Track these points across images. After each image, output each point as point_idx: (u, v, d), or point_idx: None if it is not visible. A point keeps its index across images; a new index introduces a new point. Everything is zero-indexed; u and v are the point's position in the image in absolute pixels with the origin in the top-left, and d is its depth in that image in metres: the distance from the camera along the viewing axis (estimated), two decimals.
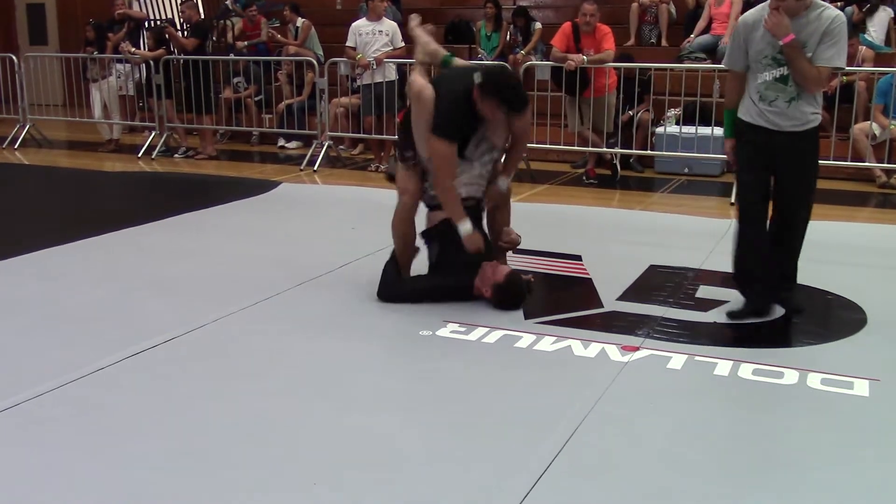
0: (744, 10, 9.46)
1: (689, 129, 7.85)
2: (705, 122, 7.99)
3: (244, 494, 2.59)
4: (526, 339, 3.89)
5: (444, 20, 11.37)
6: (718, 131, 7.95)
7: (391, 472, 2.72)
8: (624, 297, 4.57)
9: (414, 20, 5.07)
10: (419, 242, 4.57)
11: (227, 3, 12.15)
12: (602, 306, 4.44)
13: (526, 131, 4.65)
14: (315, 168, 8.67)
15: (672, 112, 8.46)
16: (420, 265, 4.62)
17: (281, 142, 10.46)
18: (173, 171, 8.99)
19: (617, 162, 8.32)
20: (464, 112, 4.26)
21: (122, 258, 5.30)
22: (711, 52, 9.45)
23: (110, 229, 5.96)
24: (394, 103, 8.59)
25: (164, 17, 12.50)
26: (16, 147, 10.44)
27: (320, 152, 8.90)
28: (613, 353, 3.74)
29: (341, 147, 9.75)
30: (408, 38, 8.85)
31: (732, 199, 6.98)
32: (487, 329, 4.01)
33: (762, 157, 4.05)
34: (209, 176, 8.54)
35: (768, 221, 4.17)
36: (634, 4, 10.34)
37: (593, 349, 3.78)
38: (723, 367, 3.58)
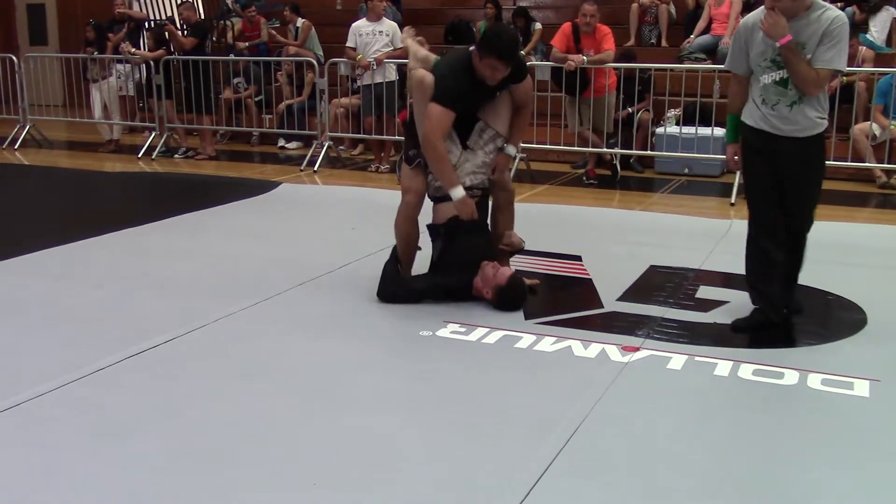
0: (744, 10, 9.52)
1: (689, 130, 7.85)
2: (705, 122, 7.99)
3: (244, 494, 2.59)
4: (526, 340, 3.89)
5: (444, 20, 11.38)
6: (718, 132, 7.98)
7: (391, 472, 2.72)
8: (624, 297, 4.57)
9: (406, 32, 5.16)
10: (421, 240, 4.58)
11: (226, 3, 12.16)
12: (602, 307, 4.44)
13: (528, 98, 4.65)
14: (315, 168, 8.67)
15: (672, 112, 8.46)
16: (421, 264, 4.62)
17: (281, 142, 10.47)
18: (173, 171, 8.99)
19: (617, 162, 8.32)
20: (463, 82, 4.29)
21: (122, 258, 5.30)
22: (711, 52, 9.46)
23: (110, 230, 5.96)
24: (394, 104, 8.59)
25: (164, 17, 12.49)
26: (16, 147, 10.44)
27: (320, 153, 8.91)
28: (613, 353, 3.74)
29: (341, 147, 9.75)
30: (406, 49, 8.87)
31: (732, 200, 6.99)
32: (487, 329, 4.01)
33: (767, 162, 3.94)
34: (209, 176, 8.54)
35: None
36: (634, 5, 10.34)
37: (593, 349, 3.78)
38: (723, 368, 3.58)
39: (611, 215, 6.71)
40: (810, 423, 3.17)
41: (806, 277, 4.35)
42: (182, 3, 10.59)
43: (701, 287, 4.75)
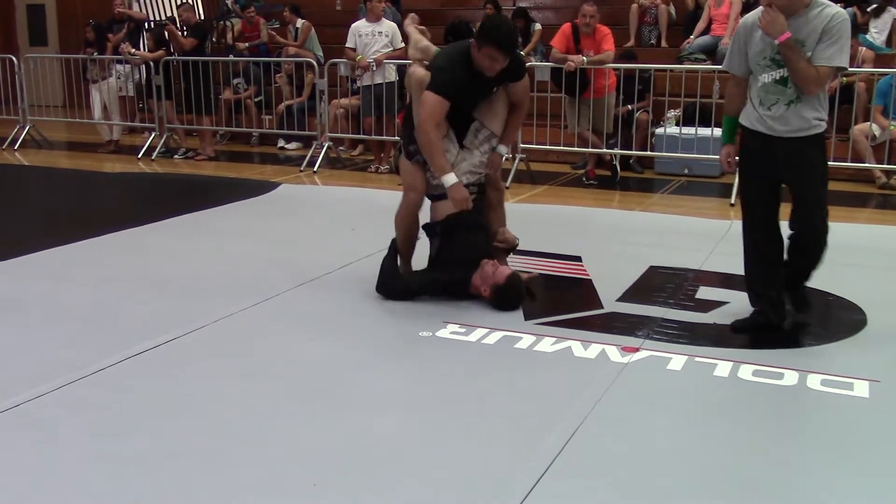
0: (743, 11, 9.52)
1: (688, 130, 7.85)
2: (705, 123, 7.99)
3: (244, 494, 2.58)
4: (526, 341, 3.89)
5: (444, 21, 11.34)
6: (718, 132, 7.88)
7: (391, 472, 2.72)
8: (624, 297, 4.57)
9: (409, 19, 5.15)
10: (420, 234, 4.61)
11: (226, 4, 12.16)
12: (602, 307, 4.44)
13: (525, 97, 4.64)
14: (315, 169, 8.67)
15: (672, 113, 8.47)
16: (420, 261, 4.64)
17: (281, 143, 10.47)
18: (173, 172, 8.99)
19: (617, 163, 8.32)
20: (460, 73, 4.29)
21: (122, 259, 5.30)
22: (711, 53, 9.47)
23: (110, 230, 5.96)
24: (394, 104, 8.59)
25: (163, 18, 12.49)
26: (16, 148, 10.44)
27: (320, 153, 8.91)
28: (613, 354, 3.74)
29: (341, 148, 9.75)
30: (407, 38, 8.88)
31: (732, 200, 6.99)
32: (487, 330, 4.01)
33: (762, 164, 3.89)
34: (209, 177, 8.54)
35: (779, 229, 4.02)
36: (634, 5, 10.35)
37: (593, 350, 3.78)
38: (723, 368, 3.58)
39: (611, 216, 6.71)
40: (810, 423, 3.17)
41: None
42: (181, 4, 10.59)
43: (701, 288, 4.75)
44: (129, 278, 4.86)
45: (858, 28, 8.75)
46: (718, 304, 4.45)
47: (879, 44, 9.00)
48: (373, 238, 5.22)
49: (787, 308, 4.06)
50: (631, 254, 5.44)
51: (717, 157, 7.66)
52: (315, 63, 9.59)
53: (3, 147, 10.44)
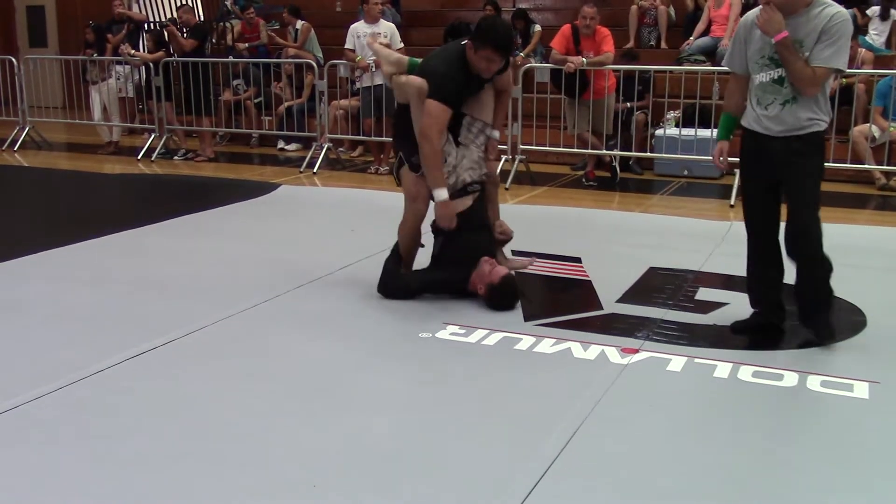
0: (743, 12, 9.52)
1: (688, 132, 7.85)
2: (704, 124, 7.99)
3: (244, 495, 2.59)
4: (526, 342, 3.89)
5: (444, 22, 11.36)
6: None
7: (391, 473, 2.72)
8: (623, 299, 4.57)
9: (371, 37, 5.18)
10: (424, 238, 4.63)
11: (226, 5, 12.17)
12: (602, 308, 4.45)
13: (509, 84, 4.72)
14: (315, 170, 8.67)
15: (671, 114, 8.47)
16: (422, 261, 4.66)
17: (280, 144, 10.47)
18: (173, 173, 9.00)
19: (616, 164, 8.33)
20: (459, 78, 4.30)
21: (122, 260, 5.30)
22: (711, 54, 9.48)
23: (110, 231, 5.96)
24: (393, 105, 8.57)
25: (163, 19, 12.50)
26: (15, 149, 10.45)
27: (320, 154, 8.91)
28: (613, 355, 3.74)
29: (341, 149, 9.76)
30: (407, 40, 8.89)
31: (732, 202, 7.00)
32: (487, 331, 4.01)
33: (759, 164, 3.85)
34: (209, 178, 8.54)
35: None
36: (634, 7, 10.35)
37: (593, 351, 3.78)
38: (722, 370, 3.58)
39: (610, 217, 6.71)
40: (810, 424, 3.18)
41: None
42: (181, 5, 10.59)
43: (700, 289, 4.75)
44: (129, 279, 4.86)
45: (858, 30, 8.75)
46: (718, 305, 4.45)
47: (879, 45, 9.00)
48: (373, 239, 5.22)
49: (786, 309, 4.05)
50: (630, 255, 5.44)
51: None
52: (315, 64, 9.59)
53: (3, 148, 10.44)
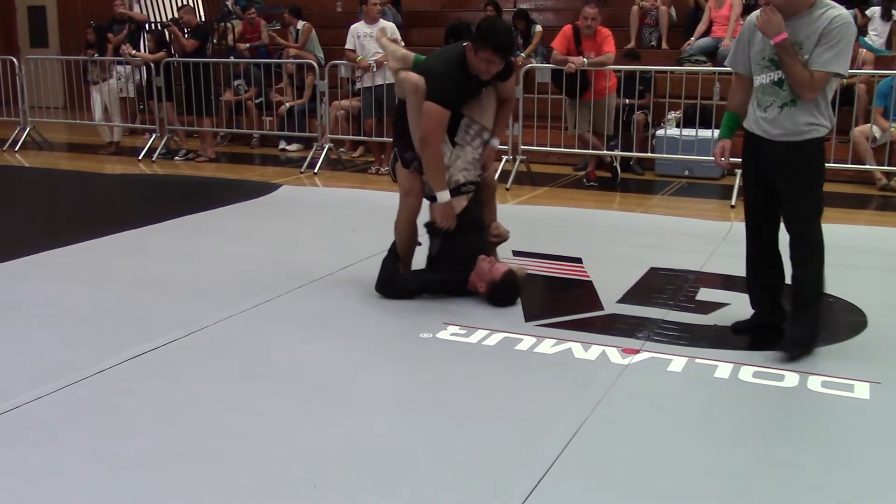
0: (744, 12, 9.53)
1: (689, 132, 7.85)
2: (705, 124, 7.99)
3: (245, 495, 2.59)
4: (526, 342, 3.89)
5: (445, 22, 11.37)
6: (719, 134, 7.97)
7: (391, 473, 2.72)
8: (624, 299, 4.57)
9: (380, 32, 5.21)
10: (421, 236, 4.64)
11: (227, 5, 12.17)
12: (602, 309, 4.44)
13: (512, 93, 4.72)
14: (315, 171, 8.67)
15: (672, 115, 8.47)
16: (419, 260, 4.66)
17: (282, 144, 10.47)
18: (174, 173, 9.00)
19: (617, 164, 8.32)
20: (457, 79, 4.31)
21: (123, 260, 5.30)
22: (712, 54, 9.48)
23: (111, 231, 5.97)
24: (394, 106, 8.58)
25: (164, 19, 12.50)
26: (16, 149, 10.45)
27: (321, 155, 8.91)
28: (614, 355, 3.73)
29: (342, 150, 9.76)
30: (407, 40, 8.88)
31: (733, 202, 6.99)
32: (488, 331, 4.01)
33: (758, 167, 3.80)
34: (209, 178, 8.54)
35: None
36: (635, 7, 10.35)
37: (594, 352, 3.78)
38: (723, 370, 3.58)
39: (611, 217, 6.71)
40: (810, 425, 3.17)
41: None
42: (182, 6, 10.60)
43: (701, 289, 4.75)
44: (130, 279, 4.86)
45: (858, 30, 8.73)
46: (719, 305, 4.45)
47: (878, 46, 9.00)
48: (373, 239, 5.22)
49: (786, 310, 4.04)
50: (631, 255, 5.44)
51: None
52: (316, 65, 9.59)
53: (4, 148, 10.44)
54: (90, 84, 10.53)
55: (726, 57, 9.30)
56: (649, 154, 8.45)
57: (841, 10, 3.57)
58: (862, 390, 3.40)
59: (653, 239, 5.88)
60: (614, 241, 5.88)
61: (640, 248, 5.64)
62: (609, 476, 2.73)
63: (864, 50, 8.51)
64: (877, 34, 9.07)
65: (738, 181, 6.95)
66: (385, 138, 8.63)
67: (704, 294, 4.66)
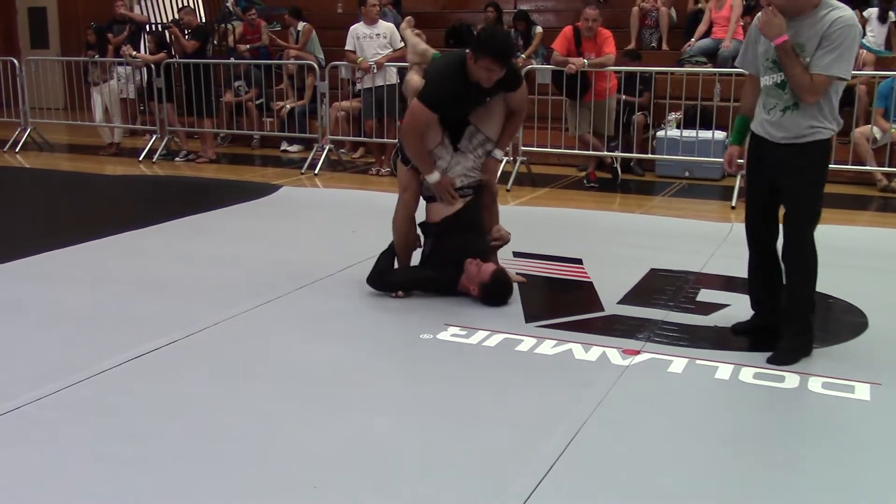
0: (744, 13, 9.53)
1: (689, 133, 7.85)
2: (706, 125, 8.00)
3: (245, 496, 2.58)
4: (527, 343, 3.89)
5: (445, 24, 11.38)
6: (719, 135, 7.99)
7: (391, 473, 2.72)
8: (625, 300, 4.57)
9: (406, 23, 5.22)
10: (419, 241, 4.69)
11: (227, 6, 12.17)
12: (603, 310, 4.44)
13: (523, 105, 4.68)
14: (316, 172, 8.67)
15: (673, 116, 8.47)
16: (417, 259, 4.69)
17: (284, 145, 10.47)
18: (174, 174, 9.00)
19: (618, 165, 8.32)
20: (451, 86, 4.32)
21: (123, 261, 5.30)
22: (712, 55, 9.48)
23: (112, 233, 5.97)
24: (395, 107, 8.59)
25: (164, 20, 12.51)
26: (17, 150, 10.44)
27: (321, 156, 8.91)
28: (614, 356, 3.73)
29: (342, 151, 9.76)
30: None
31: (733, 203, 6.99)
32: (488, 332, 4.01)
33: (762, 169, 3.78)
34: (210, 179, 8.54)
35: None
36: (635, 8, 10.35)
37: (594, 353, 3.78)
38: (724, 371, 3.58)
39: (611, 218, 6.71)
40: (811, 426, 3.17)
41: None
42: (183, 7, 10.60)
43: (702, 290, 4.75)
44: (131, 280, 4.86)
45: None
46: (719, 306, 4.45)
47: (876, 47, 9.00)
48: (374, 240, 5.21)
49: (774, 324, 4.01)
50: (632, 256, 5.44)
51: (718, 159, 7.74)
52: (316, 66, 9.59)
53: (5, 149, 10.44)
54: (91, 85, 10.54)
55: (726, 58, 9.34)
56: (650, 155, 8.45)
57: (844, 12, 3.50)
58: (862, 391, 3.39)
59: (653, 240, 5.88)
60: (615, 242, 5.88)
61: (640, 248, 5.64)
62: (609, 477, 2.72)
63: (865, 51, 8.51)
64: (873, 35, 9.07)
65: (738, 182, 6.95)
66: (385, 139, 8.64)
67: (705, 295, 4.66)
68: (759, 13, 3.72)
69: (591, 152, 8.17)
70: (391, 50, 8.57)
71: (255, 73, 10.57)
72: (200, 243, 5.83)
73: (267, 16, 11.78)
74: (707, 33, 9.71)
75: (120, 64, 10.52)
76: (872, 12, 9.20)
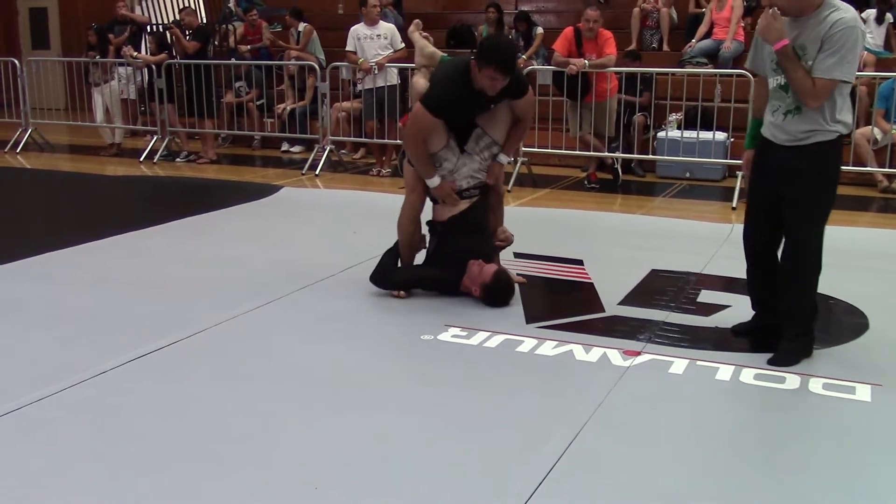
0: (745, 14, 9.53)
1: (690, 134, 7.85)
2: (706, 126, 8.00)
3: (246, 496, 2.59)
4: (527, 344, 3.89)
5: (446, 24, 11.38)
6: (719, 136, 8.00)
7: (391, 474, 2.72)
8: (625, 301, 4.57)
9: (414, 25, 5.24)
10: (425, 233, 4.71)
11: (229, 7, 12.18)
12: (604, 311, 4.44)
13: (528, 112, 4.72)
14: (317, 172, 8.67)
15: (673, 117, 8.47)
16: (418, 258, 4.71)
17: (285, 146, 10.47)
18: (175, 175, 9.00)
19: (618, 166, 8.32)
20: (455, 92, 4.33)
21: (124, 262, 5.31)
22: (713, 56, 9.48)
23: (112, 233, 5.97)
24: (395, 107, 8.60)
25: (165, 21, 12.52)
26: (18, 151, 10.45)
27: (322, 156, 8.91)
28: (615, 357, 3.73)
29: (343, 151, 9.76)
30: (408, 41, 8.88)
31: (734, 204, 6.99)
32: (489, 333, 4.01)
33: (765, 172, 3.74)
34: (211, 180, 8.55)
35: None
36: (636, 9, 10.35)
37: (595, 354, 3.78)
38: (724, 372, 3.58)
39: (612, 219, 6.71)
40: (812, 427, 3.17)
41: None
42: (184, 8, 10.61)
43: (702, 291, 4.75)
44: (131, 281, 4.86)
45: None
46: (720, 307, 4.45)
47: (874, 48, 8.99)
48: (374, 241, 5.21)
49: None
50: (632, 257, 5.44)
51: (719, 160, 7.75)
52: (317, 66, 9.60)
53: (6, 150, 10.45)
54: (91, 86, 10.55)
55: (727, 59, 9.33)
56: (650, 156, 8.45)
57: (845, 14, 3.42)
58: (863, 392, 3.39)
59: (654, 241, 5.89)
60: (615, 243, 5.88)
61: (641, 249, 5.65)
62: (610, 477, 2.72)
63: (865, 52, 8.51)
64: (871, 37, 9.06)
65: (738, 183, 6.96)
66: (386, 140, 8.64)
67: (705, 296, 4.66)
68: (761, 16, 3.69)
69: (591, 153, 8.17)
70: (392, 51, 8.58)
71: (255, 73, 10.57)
72: (201, 244, 5.83)
73: (268, 16, 11.79)
74: (708, 34, 9.71)
75: (121, 64, 10.53)
76: (870, 13, 9.20)
